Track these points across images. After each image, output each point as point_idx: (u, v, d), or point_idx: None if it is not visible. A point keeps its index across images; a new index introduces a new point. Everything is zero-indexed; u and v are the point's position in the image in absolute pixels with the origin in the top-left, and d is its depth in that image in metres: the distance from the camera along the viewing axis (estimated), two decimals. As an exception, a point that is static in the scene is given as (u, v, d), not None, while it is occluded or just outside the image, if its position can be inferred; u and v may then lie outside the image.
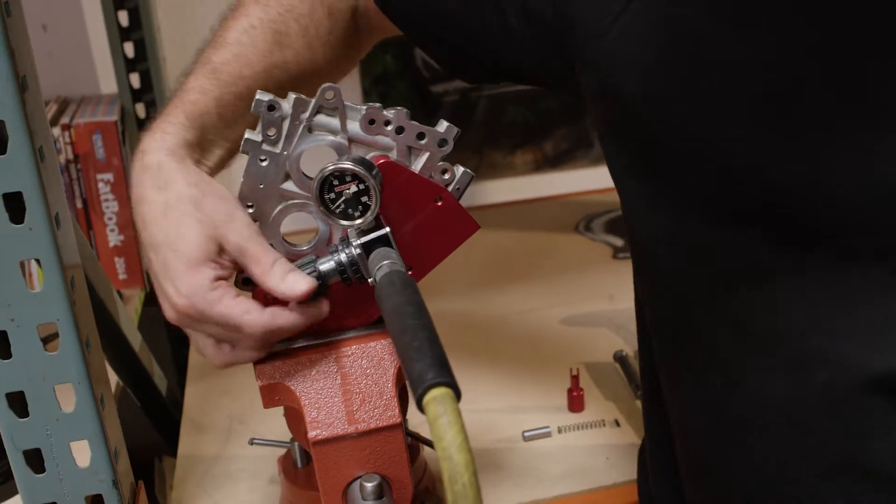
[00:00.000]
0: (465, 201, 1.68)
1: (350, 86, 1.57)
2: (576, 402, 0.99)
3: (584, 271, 1.35)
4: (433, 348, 0.49)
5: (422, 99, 1.61)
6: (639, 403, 1.00)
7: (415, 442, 0.84)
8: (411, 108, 1.60)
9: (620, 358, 1.09)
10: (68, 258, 0.71)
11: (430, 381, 0.47)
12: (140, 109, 1.43)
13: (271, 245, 0.70)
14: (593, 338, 1.15)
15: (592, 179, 1.71)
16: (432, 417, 0.46)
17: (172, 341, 1.54)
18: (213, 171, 0.69)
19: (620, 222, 1.53)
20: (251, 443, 0.87)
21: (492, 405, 1.02)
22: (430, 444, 0.85)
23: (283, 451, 0.85)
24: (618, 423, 0.97)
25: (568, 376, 1.00)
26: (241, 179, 0.69)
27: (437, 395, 0.47)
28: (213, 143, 0.69)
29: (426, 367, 0.48)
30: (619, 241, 1.45)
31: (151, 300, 1.41)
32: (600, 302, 1.25)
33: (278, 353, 0.69)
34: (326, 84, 0.67)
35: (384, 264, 0.60)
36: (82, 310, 0.73)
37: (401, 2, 0.72)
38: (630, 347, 1.11)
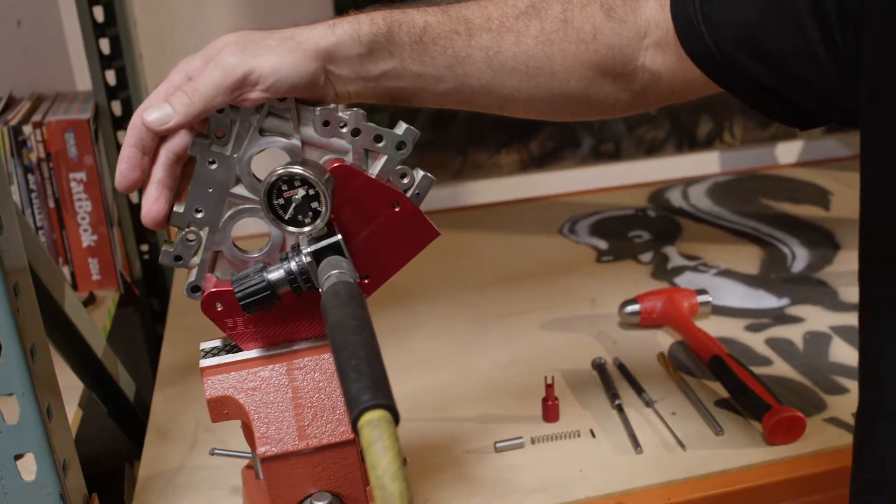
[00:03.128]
0: (448, 201, 1.66)
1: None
2: (550, 412, 0.97)
3: (566, 275, 1.32)
4: (372, 367, 0.46)
5: (405, 97, 1.57)
6: (615, 412, 0.97)
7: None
8: (393, 107, 1.58)
9: (598, 365, 1.06)
10: (11, 263, 0.68)
11: (365, 403, 0.44)
12: (116, 107, 1.40)
13: (221, 252, 0.67)
14: (572, 344, 1.13)
15: (578, 180, 1.68)
16: (366, 442, 0.43)
17: (149, 343, 1.51)
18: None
19: (605, 224, 1.50)
20: (212, 453, 0.85)
21: (464, 414, 0.99)
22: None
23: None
24: (593, 434, 0.94)
25: (544, 384, 0.97)
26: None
27: (372, 419, 0.44)
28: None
29: (363, 387, 0.45)
30: (603, 244, 1.42)
31: (126, 301, 1.38)
32: (582, 307, 1.22)
33: (228, 363, 0.66)
34: (279, 84, 0.64)
35: (332, 274, 0.57)
36: (28, 317, 0.70)
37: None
38: (609, 354, 1.08)
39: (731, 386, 0.97)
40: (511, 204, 1.63)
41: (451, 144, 1.62)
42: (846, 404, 0.96)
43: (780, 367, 1.05)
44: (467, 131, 1.62)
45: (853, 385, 0.93)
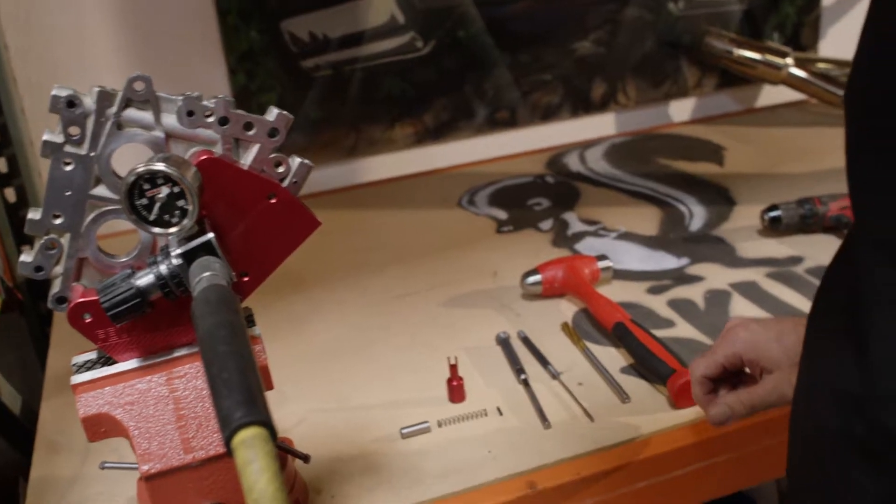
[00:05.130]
0: (343, 180, 1.62)
1: (213, 64, 1.48)
2: (455, 393, 0.94)
3: (467, 248, 1.30)
4: (244, 380, 0.42)
5: (291, 75, 1.52)
6: (522, 388, 0.95)
7: (281, 453, 0.78)
8: (281, 85, 1.53)
9: (503, 340, 1.04)
10: None
11: (238, 420, 0.41)
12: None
13: (86, 258, 0.63)
14: (476, 320, 1.10)
15: (476, 150, 1.66)
16: (241, 463, 0.40)
17: (38, 349, 1.44)
18: None
19: (504, 194, 1.49)
20: (102, 467, 0.80)
21: (367, 401, 0.96)
22: (300, 455, 0.79)
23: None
24: (500, 412, 0.92)
25: (448, 365, 0.95)
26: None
27: (246, 438, 0.40)
28: None
29: (235, 404, 0.41)
30: (502, 214, 1.40)
31: (9, 306, 1.31)
32: (484, 280, 1.20)
33: (102, 378, 0.62)
34: (134, 73, 0.59)
35: (203, 277, 0.53)
36: None
37: None
38: (513, 328, 1.07)
39: (635, 352, 0.97)
40: (408, 178, 1.60)
41: (342, 121, 1.57)
42: (748, 362, 0.96)
43: (684, 329, 1.05)
44: (359, 107, 1.58)
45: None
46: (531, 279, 1.13)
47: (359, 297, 1.20)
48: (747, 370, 0.80)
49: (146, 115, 0.60)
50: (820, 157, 1.51)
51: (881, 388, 0.47)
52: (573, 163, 1.60)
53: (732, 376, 0.81)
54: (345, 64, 1.55)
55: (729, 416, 0.76)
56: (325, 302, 1.19)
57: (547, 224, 1.35)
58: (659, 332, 1.01)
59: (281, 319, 1.14)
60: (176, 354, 0.63)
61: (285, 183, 0.64)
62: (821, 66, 1.70)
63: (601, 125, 1.74)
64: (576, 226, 1.34)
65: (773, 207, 1.24)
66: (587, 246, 1.27)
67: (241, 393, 0.42)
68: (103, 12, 1.41)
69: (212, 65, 1.49)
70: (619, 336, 1.00)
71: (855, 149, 0.51)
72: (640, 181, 1.49)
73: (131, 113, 0.60)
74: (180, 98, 0.61)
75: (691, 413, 0.90)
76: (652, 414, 0.90)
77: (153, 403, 0.61)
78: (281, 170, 0.64)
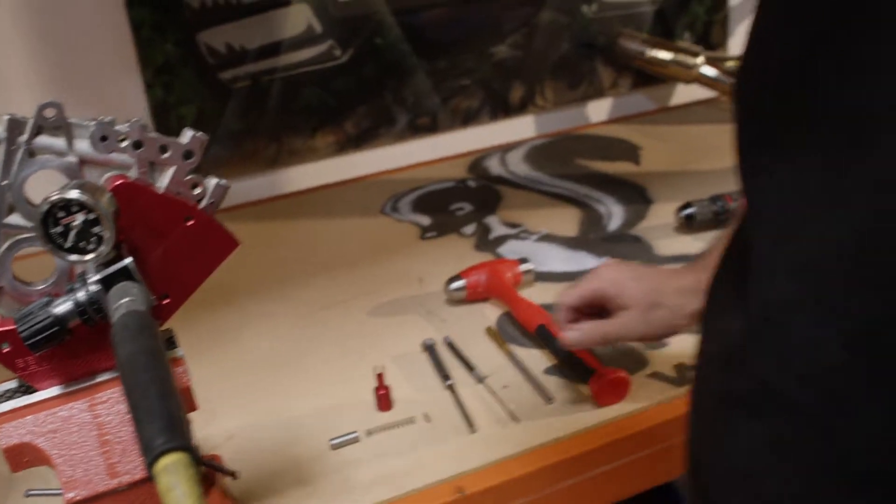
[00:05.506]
0: (266, 190, 1.62)
1: (129, 79, 1.47)
2: (383, 402, 0.95)
3: (392, 255, 1.31)
4: (164, 407, 0.43)
5: (210, 87, 1.52)
6: (448, 393, 0.97)
7: (209, 471, 0.78)
8: (199, 97, 1.52)
9: (429, 347, 1.05)
10: None
11: (159, 447, 0.41)
12: None
13: (2, 287, 0.62)
14: (402, 327, 1.12)
15: (398, 156, 1.67)
16: (163, 489, 0.40)
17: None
18: None
19: (427, 199, 1.50)
20: (27, 495, 0.79)
21: (296, 413, 0.97)
22: (227, 472, 0.79)
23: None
24: (427, 419, 0.94)
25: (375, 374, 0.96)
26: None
27: (168, 464, 0.41)
28: None
29: (156, 430, 0.42)
30: (426, 220, 1.42)
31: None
32: (409, 287, 1.22)
33: (23, 407, 0.61)
34: (47, 101, 0.59)
35: (122, 303, 0.53)
36: None
37: None
38: (439, 334, 1.08)
39: (558, 353, 0.99)
40: (331, 187, 1.61)
41: (263, 132, 1.57)
42: (667, 358, 0.99)
43: (604, 328, 1.07)
44: (279, 117, 1.58)
45: (672, 340, 0.95)
46: (455, 285, 1.14)
47: (287, 308, 1.20)
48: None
49: (59, 142, 0.60)
50: (731, 153, 1.55)
51: (758, 346, 0.52)
52: (494, 166, 1.62)
53: (596, 311, 0.90)
54: (263, 74, 1.55)
55: (581, 339, 0.88)
56: (253, 315, 1.19)
57: (470, 229, 1.37)
58: (580, 332, 1.03)
59: (210, 333, 1.14)
60: (98, 380, 0.63)
61: (202, 204, 0.64)
62: (730, 64, 1.75)
63: (521, 128, 1.77)
64: (498, 229, 1.36)
65: (687, 205, 1.27)
66: (510, 249, 1.29)
67: (162, 419, 0.43)
68: (13, 29, 1.39)
69: (128, 79, 1.47)
70: (542, 338, 1.02)
71: (741, 138, 0.56)
72: (559, 182, 1.52)
73: (43, 140, 0.60)
74: (93, 123, 0.61)
75: (614, 411, 0.92)
76: (576, 414, 0.93)
77: (76, 430, 0.61)
78: (197, 191, 0.64)
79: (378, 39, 1.60)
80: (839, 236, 0.47)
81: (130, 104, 1.47)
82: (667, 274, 0.90)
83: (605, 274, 0.89)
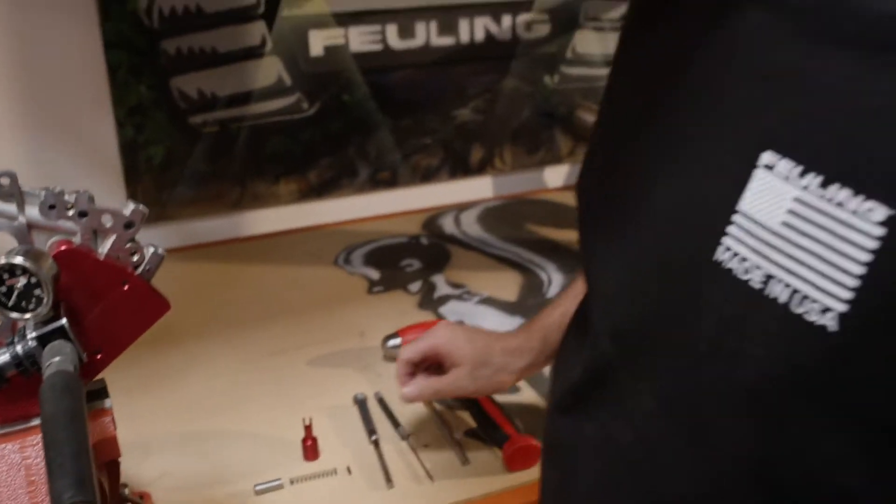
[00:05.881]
0: (227, 232, 1.67)
1: (102, 117, 1.53)
2: (309, 451, 1.01)
3: (339, 307, 1.37)
4: (76, 464, 0.49)
5: (180, 130, 1.58)
6: (372, 448, 1.03)
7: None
8: (169, 138, 1.58)
9: (360, 401, 1.11)
10: None
11: (67, 500, 0.47)
12: None
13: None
14: (339, 379, 1.18)
15: (357, 208, 1.74)
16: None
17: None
18: None
19: (379, 253, 1.57)
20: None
21: (228, 456, 1.02)
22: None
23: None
24: (349, 471, 0.99)
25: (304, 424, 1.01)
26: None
27: (72, 517, 0.47)
28: None
29: (65, 485, 0.48)
30: (375, 274, 1.48)
31: None
32: (351, 340, 1.28)
33: (-43, 446, 0.67)
34: (2, 170, 0.65)
35: (53, 363, 0.59)
36: None
37: None
38: (372, 388, 1.14)
39: (477, 417, 1.05)
40: (290, 234, 1.67)
41: (229, 175, 1.64)
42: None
43: (527, 395, 1.14)
44: (246, 162, 1.64)
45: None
46: (391, 343, 1.20)
47: (233, 352, 1.25)
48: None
49: (10, 207, 0.66)
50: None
51: (593, 395, 0.64)
52: (448, 225, 1.69)
53: (432, 365, 1.00)
54: (232, 121, 1.61)
55: (416, 393, 0.98)
56: (199, 356, 1.24)
57: (416, 286, 1.43)
58: (504, 398, 1.10)
59: (154, 372, 1.19)
60: (31, 424, 0.69)
61: (139, 270, 0.70)
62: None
63: (478, 188, 1.84)
64: (442, 289, 1.42)
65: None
66: (450, 310, 1.35)
67: (73, 476, 0.48)
68: (-6, 62, 1.45)
69: (100, 117, 1.53)
70: (464, 401, 1.08)
71: (580, 226, 0.67)
72: (507, 246, 1.59)
73: (-3, 204, 0.66)
74: (43, 192, 0.67)
75: (524, 476, 0.99)
76: (488, 476, 0.99)
77: (5, 470, 0.66)
78: (135, 258, 0.70)
79: (346, 96, 1.67)
80: (641, 310, 0.56)
81: (101, 141, 1.54)
82: (496, 336, 1.00)
83: (441, 333, 0.99)
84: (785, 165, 0.46)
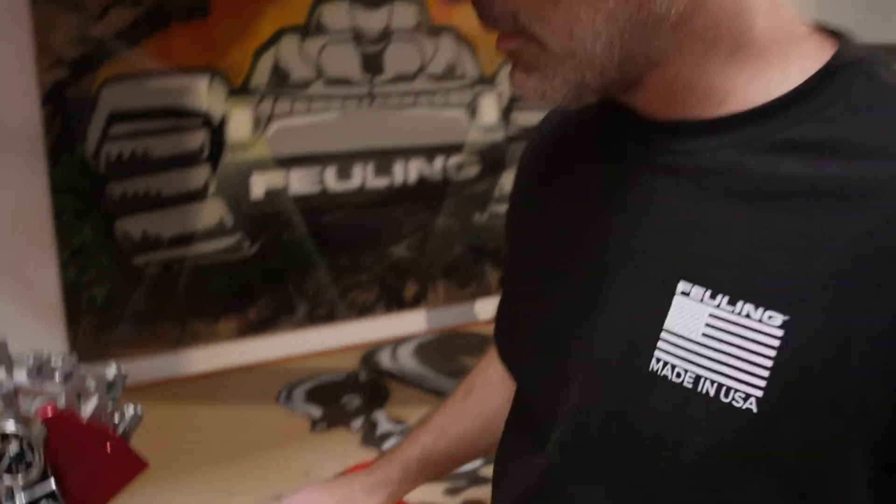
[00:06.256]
0: (168, 371, 1.69)
1: (45, 258, 1.55)
2: None
3: (281, 447, 1.40)
4: None
5: (122, 270, 1.61)
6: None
7: None
8: (111, 279, 1.61)
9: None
10: None
11: None
12: None
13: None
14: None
15: (296, 344, 1.77)
16: None
17: None
18: None
19: (320, 391, 1.60)
20: None
21: None
22: None
23: None
24: None
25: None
26: None
27: None
28: None
29: None
30: (317, 412, 1.51)
31: None
32: (295, 480, 1.29)
33: None
34: (-8, 339, 0.69)
35: (43, 526, 0.62)
36: None
37: None
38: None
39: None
40: (230, 372, 1.69)
41: (169, 314, 1.66)
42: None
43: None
44: (187, 301, 1.67)
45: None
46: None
47: (173, 498, 1.26)
48: None
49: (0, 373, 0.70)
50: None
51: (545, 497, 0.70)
52: (385, 360, 1.74)
53: None
54: (174, 262, 1.65)
55: None
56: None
57: (358, 423, 1.47)
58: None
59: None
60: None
61: (119, 430, 0.74)
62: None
63: (413, 322, 1.90)
64: (384, 426, 1.46)
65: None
66: (393, 446, 1.39)
67: None
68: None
69: (44, 259, 1.56)
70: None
71: (511, 357, 0.78)
72: (444, 380, 1.64)
73: (-14, 371, 0.69)
74: (31, 357, 0.70)
75: None
76: None
77: None
78: (116, 419, 0.74)
79: (285, 236, 1.73)
80: (589, 421, 0.64)
81: (43, 283, 1.56)
82: (357, 477, 1.03)
83: (303, 497, 1.00)
84: (697, 291, 0.57)
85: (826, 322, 0.53)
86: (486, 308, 1.99)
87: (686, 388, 0.57)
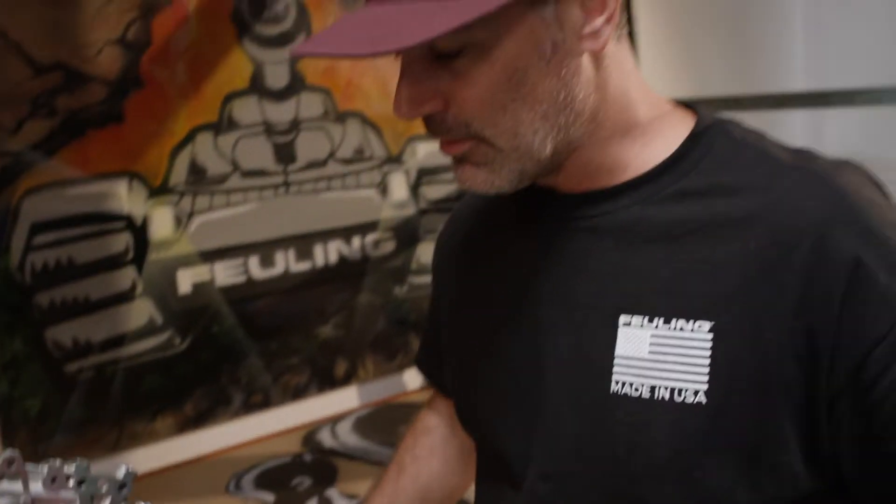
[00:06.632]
0: (111, 476, 1.66)
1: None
2: None
3: (242, 535, 1.41)
4: None
5: (55, 379, 1.60)
6: None
7: None
8: (44, 390, 1.60)
9: None
10: None
11: None
12: None
13: None
14: None
15: (235, 433, 1.79)
16: None
17: None
18: None
19: (268, 476, 1.62)
20: None
21: None
22: None
23: None
24: None
25: None
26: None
27: None
28: None
29: None
30: (270, 497, 1.53)
31: None
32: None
33: None
34: (6, 453, 0.71)
35: None
36: None
37: None
38: None
39: None
40: (174, 469, 1.69)
41: (106, 418, 1.66)
42: None
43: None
44: (122, 403, 1.67)
45: None
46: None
47: None
48: None
49: (16, 486, 0.72)
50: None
51: None
52: (327, 439, 1.77)
53: None
54: (107, 365, 1.66)
55: None
56: None
57: (313, 503, 1.50)
58: None
59: None
60: None
61: (134, 528, 0.76)
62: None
63: (345, 399, 1.94)
64: (339, 503, 1.49)
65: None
66: (352, 521, 1.42)
67: None
68: None
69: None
70: None
71: (467, 409, 0.86)
72: (387, 451, 1.68)
73: (4, 485, 0.71)
74: (45, 467, 0.73)
75: None
76: None
77: None
78: (128, 518, 0.77)
79: (215, 327, 1.76)
80: (565, 446, 0.73)
81: (-24, 401, 1.54)
82: None
83: None
84: (637, 319, 0.71)
85: (743, 321, 0.67)
86: (414, 378, 2.04)
87: (645, 399, 0.69)
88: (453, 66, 0.68)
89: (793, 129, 2.59)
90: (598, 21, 0.69)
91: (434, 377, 1.00)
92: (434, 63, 0.69)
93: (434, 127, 0.72)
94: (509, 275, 0.81)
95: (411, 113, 0.70)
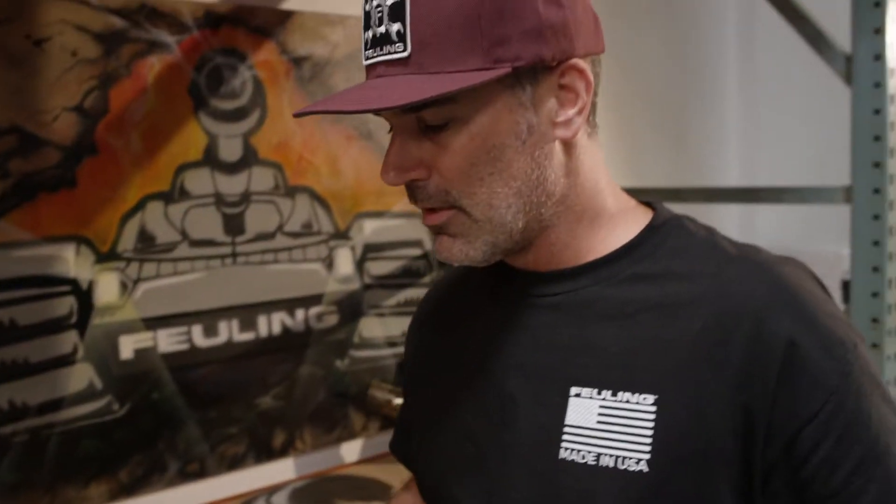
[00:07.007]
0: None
1: None
2: None
3: None
4: None
5: (-11, 442, 1.59)
6: None
7: None
8: None
9: None
10: None
11: None
12: None
13: None
14: None
15: (169, 502, 1.77)
16: None
17: None
18: None
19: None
20: None
21: None
22: None
23: None
24: None
25: None
26: None
27: None
28: None
29: None
30: (203, 567, 1.52)
31: None
32: None
33: None
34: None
35: None
36: None
37: None
38: None
39: None
40: (105, 536, 1.67)
41: (39, 484, 1.64)
42: None
43: None
44: (56, 468, 1.66)
45: None
46: None
47: None
48: None
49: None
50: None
51: None
52: (261, 510, 1.77)
53: None
54: (43, 429, 1.64)
55: None
56: None
57: (246, 574, 1.49)
58: None
59: None
60: None
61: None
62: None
63: (282, 470, 1.94)
64: (273, 574, 1.49)
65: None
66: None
67: None
68: None
69: None
70: None
71: (430, 484, 0.93)
72: (323, 524, 1.69)
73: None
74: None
75: None
76: None
77: None
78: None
79: (155, 394, 1.76)
80: None
81: None
82: None
83: None
84: (587, 391, 0.76)
85: (686, 395, 0.72)
86: (351, 451, 2.06)
87: (591, 466, 0.74)
88: (438, 138, 0.75)
89: (728, 221, 2.70)
90: (571, 111, 0.77)
91: (410, 461, 1.05)
92: (421, 135, 0.76)
93: (417, 194, 0.78)
94: (473, 345, 0.88)
95: (397, 179, 0.77)
